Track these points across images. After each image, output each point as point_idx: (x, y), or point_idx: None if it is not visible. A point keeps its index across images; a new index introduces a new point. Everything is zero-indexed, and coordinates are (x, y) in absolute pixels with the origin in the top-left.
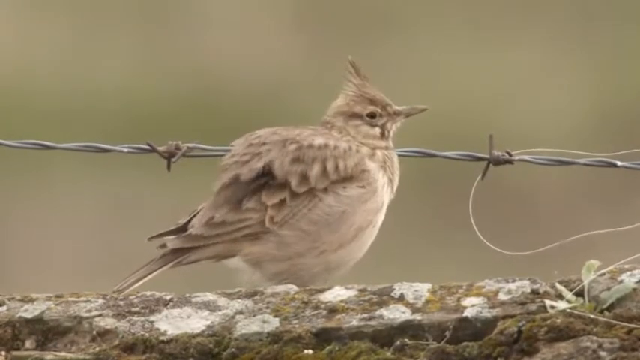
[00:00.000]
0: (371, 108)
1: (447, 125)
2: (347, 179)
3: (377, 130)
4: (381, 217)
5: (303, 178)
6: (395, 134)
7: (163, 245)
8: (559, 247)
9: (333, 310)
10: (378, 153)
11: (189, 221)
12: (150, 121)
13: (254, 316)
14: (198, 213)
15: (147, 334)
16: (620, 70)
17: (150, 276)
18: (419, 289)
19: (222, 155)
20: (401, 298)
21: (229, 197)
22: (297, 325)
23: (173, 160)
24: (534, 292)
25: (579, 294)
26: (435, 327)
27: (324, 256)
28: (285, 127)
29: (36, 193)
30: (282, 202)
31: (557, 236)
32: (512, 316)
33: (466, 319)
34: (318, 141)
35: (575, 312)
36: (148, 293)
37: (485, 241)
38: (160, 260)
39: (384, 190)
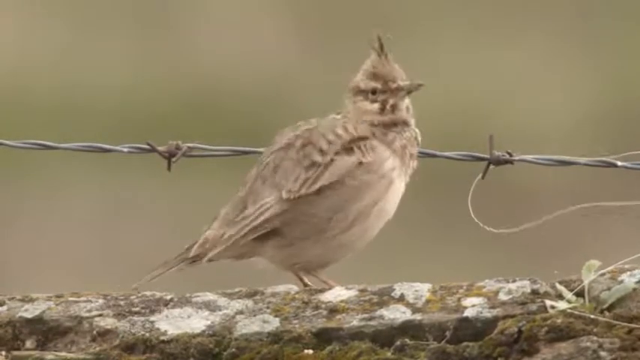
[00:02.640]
0: (372, 84)
1: (447, 125)
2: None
3: (375, 106)
4: (392, 197)
5: (312, 161)
6: (407, 109)
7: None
8: (559, 247)
9: (333, 311)
10: (388, 135)
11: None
12: (150, 120)
13: (254, 316)
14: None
15: (147, 334)
16: (620, 70)
17: (167, 272)
18: (419, 290)
19: (222, 155)
20: (401, 299)
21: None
22: (297, 325)
23: (173, 159)
24: (535, 292)
25: (580, 294)
26: (436, 327)
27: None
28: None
29: (36, 192)
30: (298, 175)
31: (557, 236)
32: (512, 317)
33: (466, 319)
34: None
35: (576, 312)
36: (149, 293)
37: (482, 225)
38: (177, 259)
39: (394, 170)
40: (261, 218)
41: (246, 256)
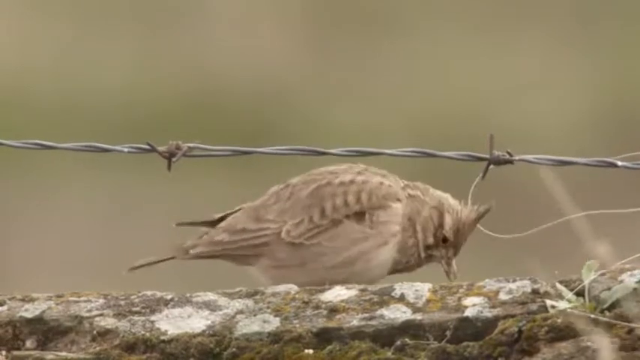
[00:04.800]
0: (449, 234)
1: (447, 125)
2: (373, 208)
3: (430, 243)
4: (380, 255)
5: (322, 212)
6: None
7: (182, 244)
8: (559, 247)
9: (333, 310)
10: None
11: (222, 219)
12: (150, 120)
13: (255, 315)
14: (230, 215)
15: (147, 334)
16: (620, 70)
17: (162, 260)
18: (419, 289)
19: (222, 155)
20: (401, 298)
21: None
22: (297, 325)
23: (174, 159)
24: (535, 292)
25: (580, 294)
26: (436, 327)
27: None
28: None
29: (36, 192)
30: (302, 221)
31: (556, 236)
32: (512, 316)
33: (467, 319)
34: (343, 178)
35: (576, 312)
36: (149, 293)
37: (482, 228)
38: (174, 249)
39: (394, 237)
40: (256, 242)
41: (241, 264)
